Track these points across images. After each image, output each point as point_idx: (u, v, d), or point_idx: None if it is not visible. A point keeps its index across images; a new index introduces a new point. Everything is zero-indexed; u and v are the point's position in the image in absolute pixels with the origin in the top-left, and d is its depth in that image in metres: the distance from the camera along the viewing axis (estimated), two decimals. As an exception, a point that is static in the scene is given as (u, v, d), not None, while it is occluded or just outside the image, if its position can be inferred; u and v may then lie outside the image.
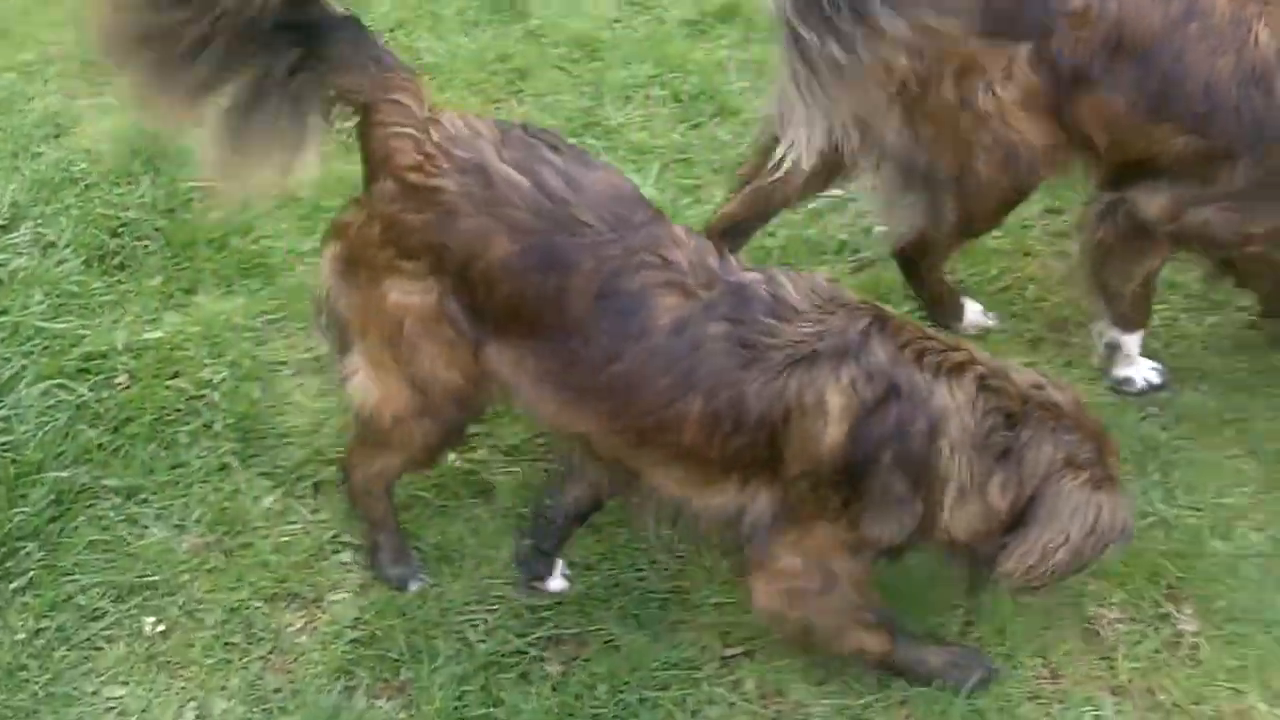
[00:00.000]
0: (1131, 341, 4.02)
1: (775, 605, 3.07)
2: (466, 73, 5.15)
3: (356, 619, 3.33)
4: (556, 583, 3.40)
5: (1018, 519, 2.93)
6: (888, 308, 3.02)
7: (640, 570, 3.45)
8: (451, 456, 3.61)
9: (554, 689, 3.18)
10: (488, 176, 2.83)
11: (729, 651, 3.32)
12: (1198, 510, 3.62)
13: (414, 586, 3.38)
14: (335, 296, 3.05)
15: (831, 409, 2.80)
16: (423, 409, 3.04)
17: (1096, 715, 3.23)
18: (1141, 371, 4.05)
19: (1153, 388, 4.02)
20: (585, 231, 2.80)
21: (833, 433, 2.81)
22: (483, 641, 3.28)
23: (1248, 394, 3.92)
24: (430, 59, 5.17)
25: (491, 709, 3.14)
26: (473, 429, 3.46)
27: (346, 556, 3.50)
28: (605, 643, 3.29)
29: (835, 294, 2.92)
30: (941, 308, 4.12)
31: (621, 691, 3.17)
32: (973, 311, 4.18)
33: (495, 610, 3.36)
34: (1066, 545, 2.91)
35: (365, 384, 3.05)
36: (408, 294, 2.91)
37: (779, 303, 2.84)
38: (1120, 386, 4.04)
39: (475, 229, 2.83)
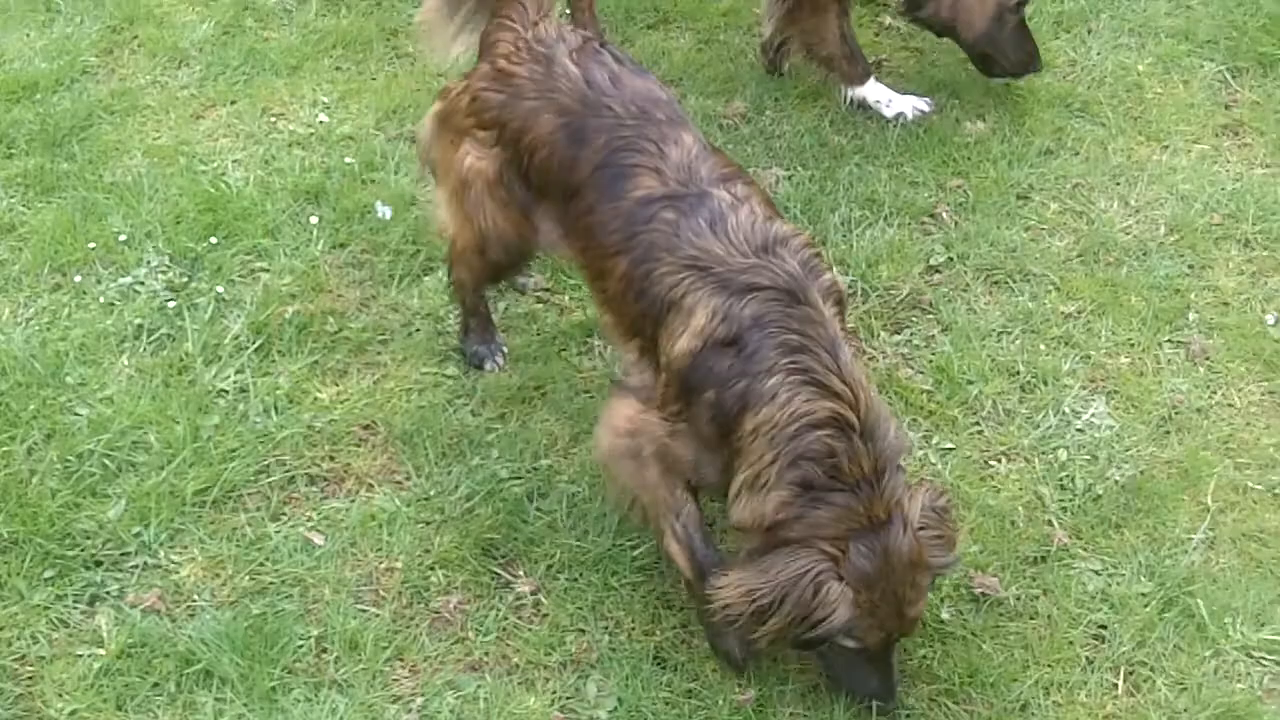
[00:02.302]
0: (872, 90, 4.82)
1: (602, 451, 3.34)
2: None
3: None
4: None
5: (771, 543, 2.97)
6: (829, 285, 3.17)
7: None
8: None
9: None
10: (552, 68, 3.42)
11: None
12: (518, 478, 3.69)
13: (489, 366, 3.99)
14: (430, 145, 3.73)
15: (693, 322, 3.06)
16: (482, 248, 3.65)
17: (458, 695, 3.19)
18: (910, 103, 4.88)
19: (924, 114, 4.84)
20: (609, 116, 3.31)
21: (684, 343, 3.07)
22: None
23: (542, 364, 4.02)
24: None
25: None
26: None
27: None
28: None
29: (784, 238, 3.13)
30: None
31: None
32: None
33: None
34: (765, 605, 2.95)
35: (444, 217, 3.73)
36: (479, 158, 3.51)
37: (722, 222, 3.11)
38: (899, 122, 4.81)
39: (531, 109, 3.40)
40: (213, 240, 4.30)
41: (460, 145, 3.57)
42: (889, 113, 4.82)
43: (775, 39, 4.86)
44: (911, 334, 4.11)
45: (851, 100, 4.85)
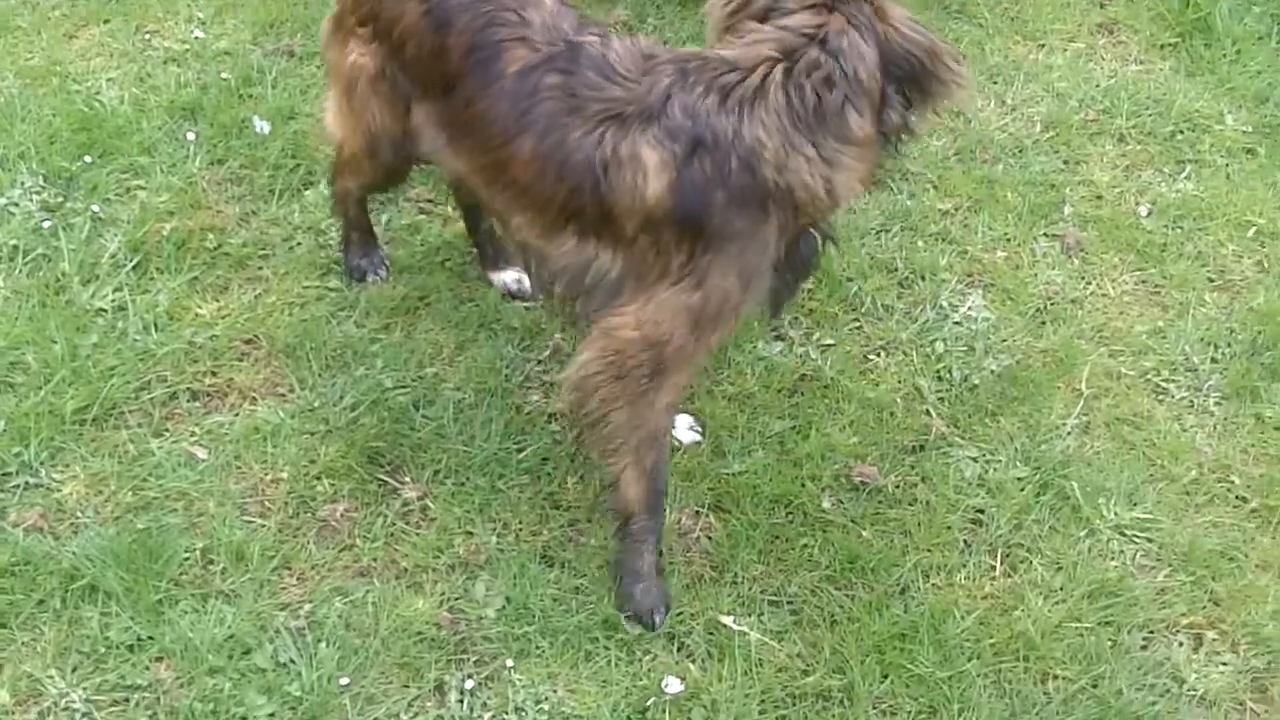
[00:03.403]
0: None
1: (591, 374, 3.05)
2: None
3: None
4: None
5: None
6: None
7: None
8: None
9: None
10: None
11: None
12: (404, 387, 3.69)
13: (370, 279, 3.96)
14: (325, 49, 3.63)
15: (648, 164, 2.86)
16: (371, 149, 3.54)
17: (347, 600, 3.21)
18: None
19: None
20: None
21: (654, 187, 2.86)
22: None
23: (426, 275, 4.01)
24: None
25: None
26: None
27: None
28: None
29: (653, 53, 2.99)
30: None
31: None
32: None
33: None
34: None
35: (332, 122, 3.63)
36: (361, 55, 3.40)
37: (606, 65, 2.95)
38: None
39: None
40: (87, 159, 4.22)
41: (346, 44, 3.47)
42: None
43: None
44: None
45: None
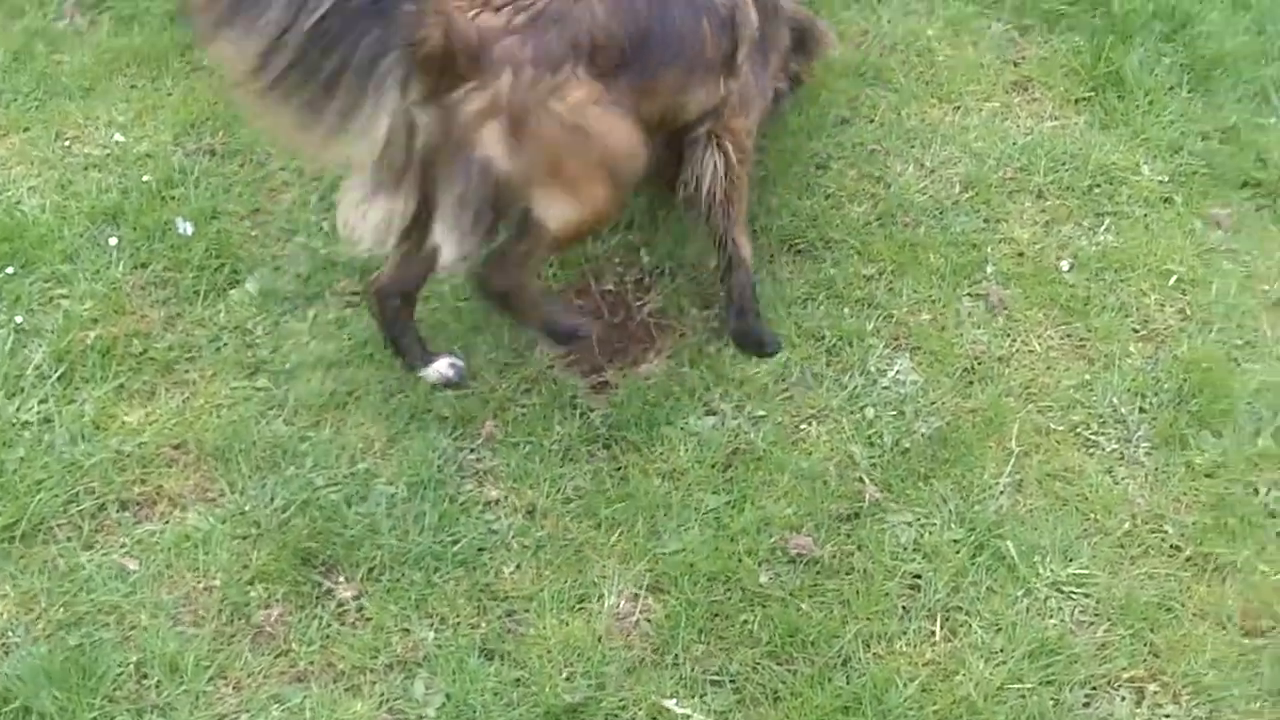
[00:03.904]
0: None
1: (733, 166, 3.92)
2: None
3: None
4: None
5: None
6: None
7: None
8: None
9: None
10: None
11: None
12: (335, 484, 3.67)
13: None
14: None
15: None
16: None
17: (284, 708, 3.18)
18: None
19: None
20: None
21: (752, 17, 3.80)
22: None
23: (355, 368, 4.00)
24: None
25: None
26: None
27: None
28: None
29: None
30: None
31: None
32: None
33: None
34: None
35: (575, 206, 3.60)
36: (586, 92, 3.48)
37: None
38: None
39: None
40: (9, 270, 4.20)
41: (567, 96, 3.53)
42: None
43: None
44: (720, 308, 4.15)
45: None
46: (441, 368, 3.91)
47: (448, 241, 3.42)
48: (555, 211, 3.49)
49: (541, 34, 3.33)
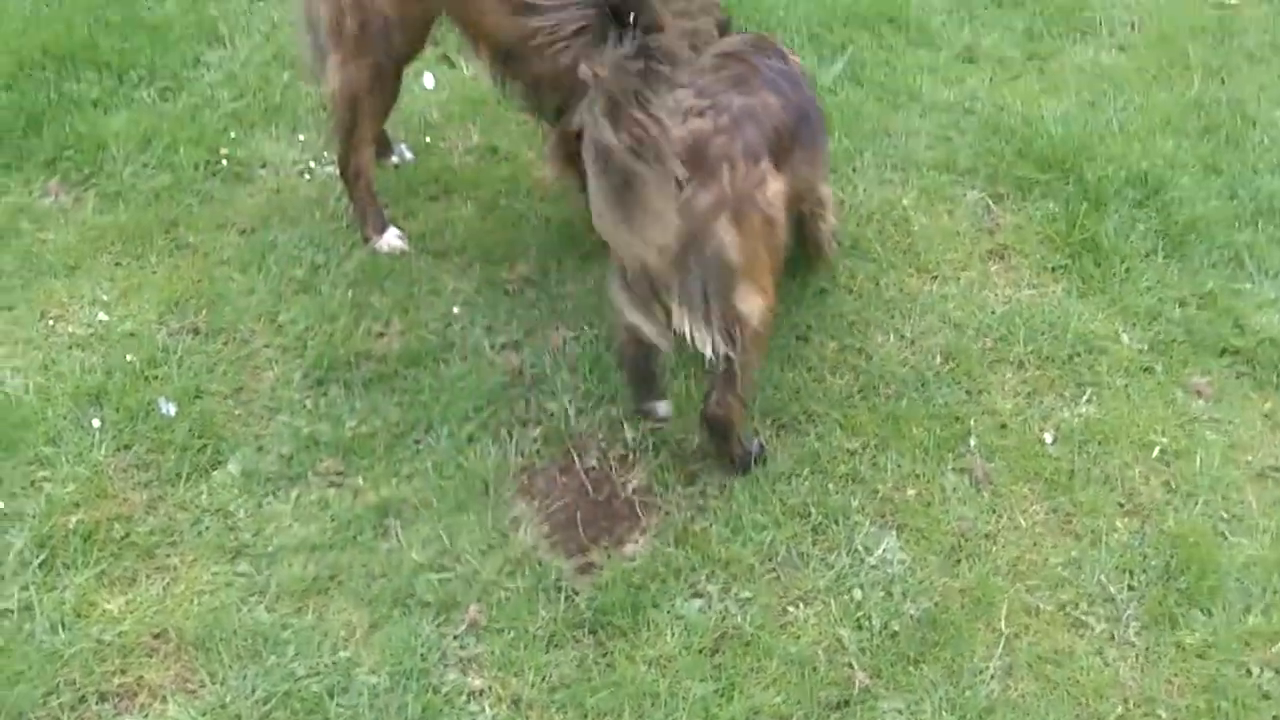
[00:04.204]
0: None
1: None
2: None
3: None
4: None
5: None
6: None
7: None
8: None
9: None
10: None
11: None
12: (316, 674, 3.67)
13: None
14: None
15: None
16: None
17: None
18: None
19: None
20: None
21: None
22: None
23: (338, 551, 3.98)
24: None
25: None
26: None
27: None
28: None
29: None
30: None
31: None
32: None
33: None
34: None
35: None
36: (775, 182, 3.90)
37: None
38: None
39: None
40: (-9, 453, 4.18)
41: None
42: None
43: None
44: (705, 484, 4.15)
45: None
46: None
47: (700, 333, 3.74)
48: (750, 305, 3.84)
49: (743, 131, 3.78)
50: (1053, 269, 5.05)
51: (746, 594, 3.87)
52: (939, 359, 4.62)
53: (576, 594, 3.85)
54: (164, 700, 3.59)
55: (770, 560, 3.96)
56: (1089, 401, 4.49)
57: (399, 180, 5.37)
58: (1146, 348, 4.70)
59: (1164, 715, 3.62)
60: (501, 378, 4.49)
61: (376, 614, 3.79)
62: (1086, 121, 5.70)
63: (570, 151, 4.51)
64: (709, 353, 3.81)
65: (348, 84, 4.72)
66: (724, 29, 4.51)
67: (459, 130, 5.62)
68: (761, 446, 4.18)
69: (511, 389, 4.47)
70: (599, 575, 3.90)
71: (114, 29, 6.10)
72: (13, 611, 3.77)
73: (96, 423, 4.31)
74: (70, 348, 4.63)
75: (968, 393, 4.51)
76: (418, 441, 4.28)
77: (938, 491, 4.16)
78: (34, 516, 4.01)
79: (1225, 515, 4.14)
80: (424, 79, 5.78)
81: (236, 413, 4.38)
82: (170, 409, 4.36)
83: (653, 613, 3.80)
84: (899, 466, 4.23)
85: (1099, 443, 4.34)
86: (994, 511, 4.12)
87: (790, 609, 3.85)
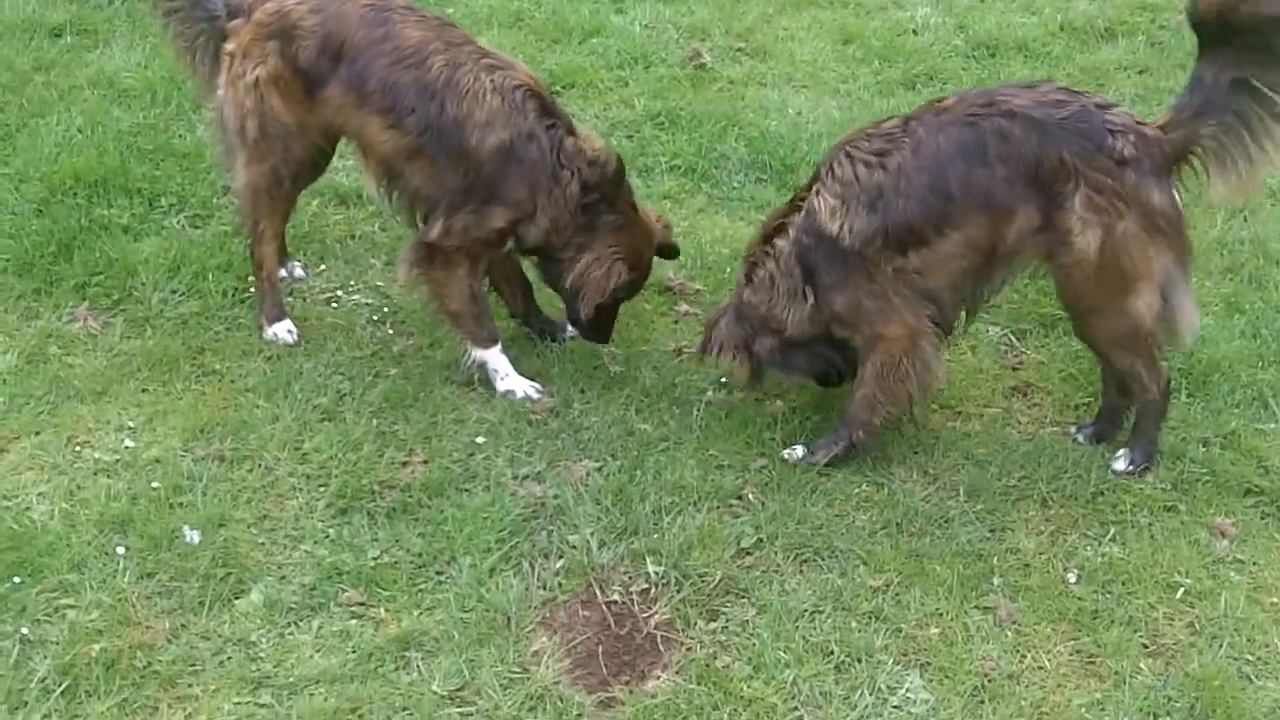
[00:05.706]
0: (492, 356, 5.01)
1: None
2: None
3: None
4: None
5: None
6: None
7: None
8: None
9: None
10: None
11: None
12: None
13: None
14: None
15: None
16: None
17: None
18: (522, 385, 5.03)
19: (533, 400, 5.00)
20: None
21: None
22: None
23: (360, 683, 3.96)
24: None
25: None
26: None
27: None
28: None
29: None
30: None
31: None
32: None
33: None
34: None
35: None
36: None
37: None
38: (508, 398, 5.00)
39: None
40: (16, 580, 4.20)
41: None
42: (501, 386, 5.04)
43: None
44: (727, 620, 4.15)
45: (473, 361, 5.03)
46: None
47: None
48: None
49: None
50: (1075, 406, 5.07)
51: (769, 733, 3.84)
52: (962, 496, 4.63)
53: (598, 731, 3.83)
54: (181, 834, 3.55)
55: (793, 699, 3.94)
56: (1113, 540, 4.49)
57: (423, 311, 5.42)
58: (1170, 487, 4.70)
59: None
60: (524, 509, 4.51)
61: (397, 748, 3.76)
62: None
63: (421, 258, 4.93)
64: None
65: (251, 183, 5.11)
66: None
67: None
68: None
69: (534, 520, 4.49)
70: (621, 711, 3.88)
71: (145, 156, 6.24)
72: (33, 741, 3.76)
73: (121, 550, 4.33)
74: (96, 473, 4.66)
75: (991, 530, 4.51)
76: (440, 572, 4.29)
77: (961, 630, 4.14)
78: (57, 644, 4.02)
79: (1250, 658, 4.11)
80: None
81: (260, 541, 4.39)
82: (194, 537, 4.38)
83: (677, 753, 3.77)
84: (923, 604, 4.22)
85: (1123, 583, 4.33)
86: (1018, 651, 4.10)
87: (813, 749, 3.81)
